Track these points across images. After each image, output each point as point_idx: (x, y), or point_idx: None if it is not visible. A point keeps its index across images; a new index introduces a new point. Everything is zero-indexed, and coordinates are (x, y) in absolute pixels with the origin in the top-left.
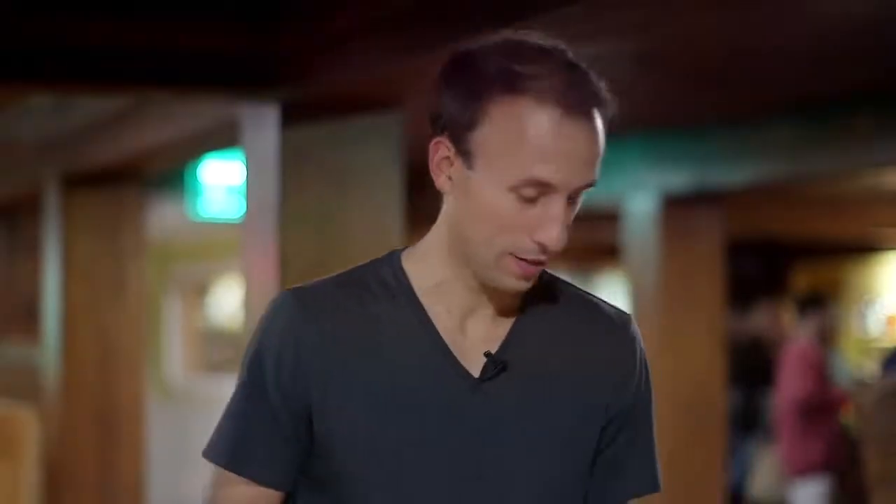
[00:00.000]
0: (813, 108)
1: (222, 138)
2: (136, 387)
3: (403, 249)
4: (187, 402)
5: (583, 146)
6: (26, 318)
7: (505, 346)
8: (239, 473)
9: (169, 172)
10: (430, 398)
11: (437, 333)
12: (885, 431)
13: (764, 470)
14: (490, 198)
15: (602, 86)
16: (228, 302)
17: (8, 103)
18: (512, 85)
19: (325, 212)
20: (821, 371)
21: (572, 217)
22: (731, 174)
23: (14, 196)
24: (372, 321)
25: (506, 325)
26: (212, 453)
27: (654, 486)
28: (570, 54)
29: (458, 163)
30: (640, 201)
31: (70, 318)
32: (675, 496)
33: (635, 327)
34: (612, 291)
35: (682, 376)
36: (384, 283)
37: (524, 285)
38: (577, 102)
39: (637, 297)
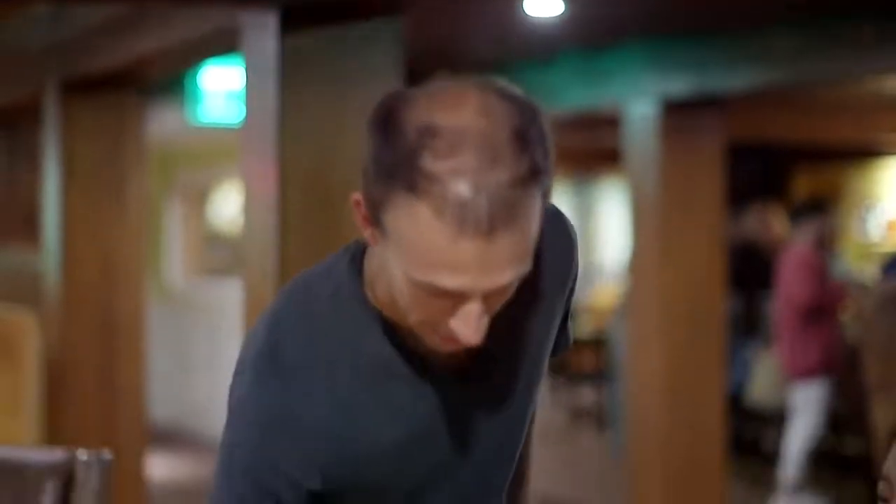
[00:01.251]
0: (815, 14)
1: (222, 44)
2: (136, 292)
3: (361, 260)
4: (187, 306)
5: (489, 258)
6: (27, 225)
7: (488, 338)
8: None
9: (169, 78)
10: (417, 422)
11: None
12: (884, 336)
13: (763, 374)
14: (401, 281)
15: (526, 172)
16: (228, 207)
17: (8, 12)
18: (414, 185)
19: (325, 117)
20: (821, 275)
21: (501, 301)
22: (732, 79)
23: (14, 104)
24: (357, 371)
25: None
26: None
27: (568, 344)
28: (503, 129)
29: (372, 229)
30: (640, 106)
31: (70, 224)
32: (676, 401)
33: (557, 212)
34: (613, 196)
35: (681, 281)
36: (352, 322)
37: (455, 351)
38: (475, 222)
39: (637, 201)
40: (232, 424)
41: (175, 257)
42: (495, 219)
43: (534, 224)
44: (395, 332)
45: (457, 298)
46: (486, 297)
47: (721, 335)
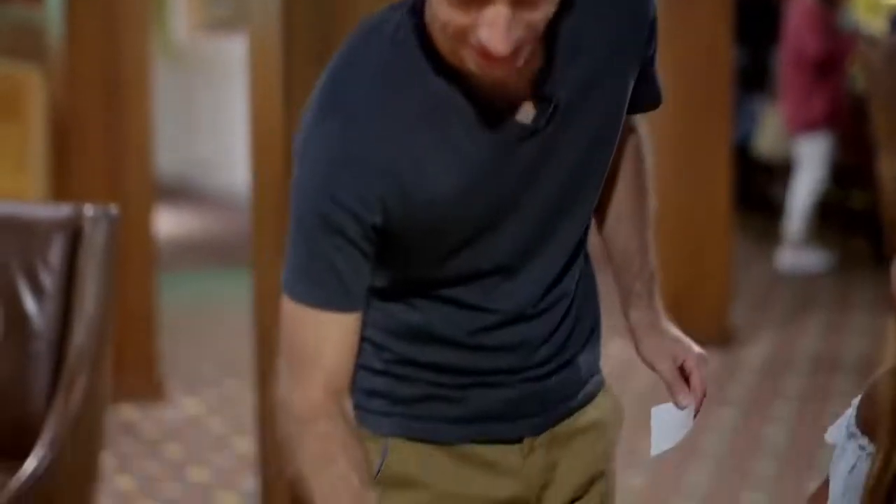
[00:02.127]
0: None
1: None
2: (141, 46)
3: (421, 3)
4: (193, 62)
5: None
6: None
7: (548, 81)
8: (324, 308)
9: None
10: (490, 159)
11: (478, 98)
12: (891, 88)
13: (769, 127)
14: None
15: None
16: None
17: None
18: None
19: None
20: (829, 28)
21: (533, 14)
22: None
23: None
24: (420, 114)
25: (537, 59)
26: (292, 291)
27: (657, 99)
28: None
29: None
30: None
31: None
32: (683, 154)
33: None
34: None
35: (689, 34)
36: (410, 60)
37: (495, 75)
38: None
39: None
40: (298, 165)
41: (179, 11)
42: None
43: None
44: (456, 74)
45: (482, 2)
46: (514, 5)
47: (728, 88)
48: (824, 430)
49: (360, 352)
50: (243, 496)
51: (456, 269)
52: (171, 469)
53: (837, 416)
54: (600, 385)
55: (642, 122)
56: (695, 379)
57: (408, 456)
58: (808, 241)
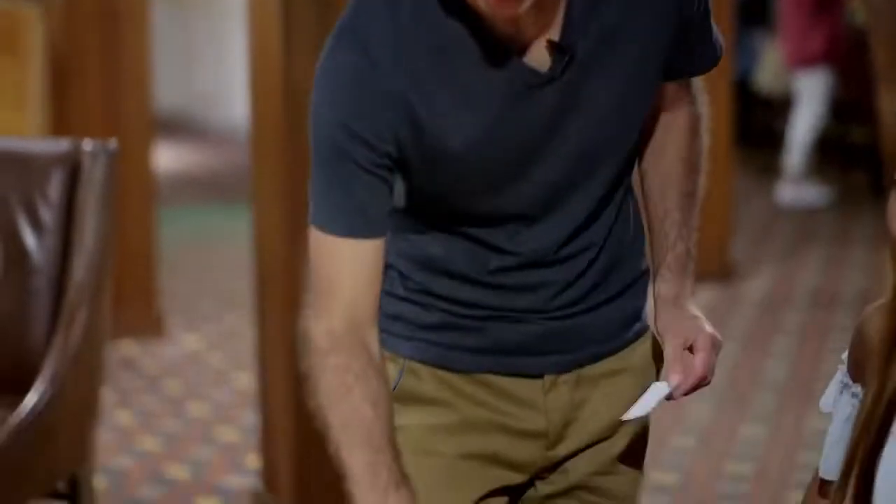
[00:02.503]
0: None
1: None
2: None
3: None
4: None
5: None
6: None
7: (565, 30)
8: (343, 235)
9: None
10: (506, 101)
11: (491, 39)
12: (892, 23)
13: (769, 62)
14: None
15: None
16: None
17: None
18: None
19: None
20: None
21: None
22: None
23: None
24: (433, 50)
25: (556, 7)
26: (314, 219)
27: (716, 57)
28: None
29: None
30: None
31: None
32: None
33: None
34: None
35: None
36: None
37: (504, 14)
38: None
39: None
40: (314, 93)
41: None
42: None
43: None
44: (470, 14)
45: None
46: None
47: (728, 23)
48: (823, 364)
49: (385, 278)
50: (243, 431)
51: (476, 210)
52: (171, 404)
53: (837, 351)
54: (640, 332)
55: (703, 93)
56: (697, 360)
57: (427, 379)
58: (808, 175)
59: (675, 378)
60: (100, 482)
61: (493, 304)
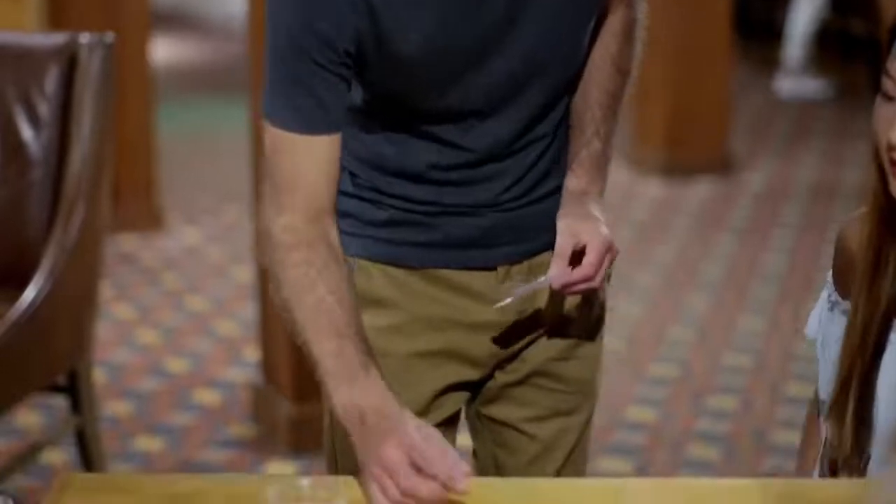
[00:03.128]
0: None
1: None
2: None
3: None
4: None
5: None
6: None
7: None
8: (303, 132)
9: None
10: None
11: None
12: None
13: None
14: None
15: None
16: None
17: None
18: None
19: None
20: None
21: None
22: None
23: None
24: None
25: None
26: (272, 118)
27: None
28: None
29: None
30: None
31: None
32: None
33: None
34: None
35: None
36: None
37: None
38: None
39: None
40: None
41: None
42: None
43: None
44: None
45: None
46: None
47: None
48: (822, 256)
49: None
50: (242, 324)
51: (433, 107)
52: (170, 298)
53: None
54: None
55: (642, 2)
56: (585, 260)
57: (377, 277)
58: (808, 68)
59: (554, 269)
60: (99, 376)
61: (445, 200)
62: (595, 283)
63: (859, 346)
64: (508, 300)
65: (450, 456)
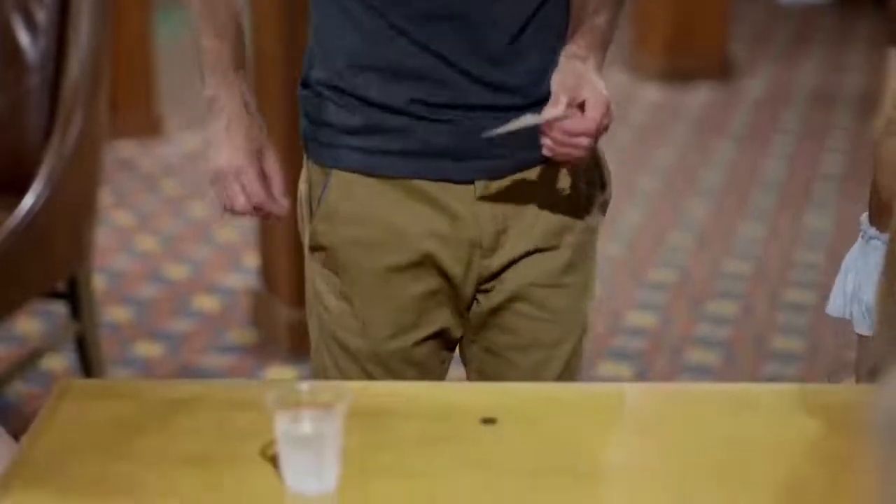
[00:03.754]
0: None
1: None
2: None
3: None
4: None
5: None
6: None
7: None
8: None
9: None
10: None
11: None
12: None
13: None
14: None
15: None
16: None
17: None
18: None
19: None
20: None
21: None
22: None
23: None
24: None
25: None
26: None
27: None
28: None
29: None
30: None
31: None
32: None
33: None
34: None
35: None
36: None
37: None
38: None
39: None
40: None
41: None
42: None
43: None
44: None
45: None
46: None
47: None
48: (822, 163)
49: (310, 84)
50: (242, 230)
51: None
52: (170, 204)
53: (836, 150)
54: None
55: None
56: (586, 113)
57: (353, 188)
58: None
59: (550, 111)
60: (98, 282)
61: (417, 98)
62: (587, 144)
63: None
64: (497, 130)
65: (275, 185)
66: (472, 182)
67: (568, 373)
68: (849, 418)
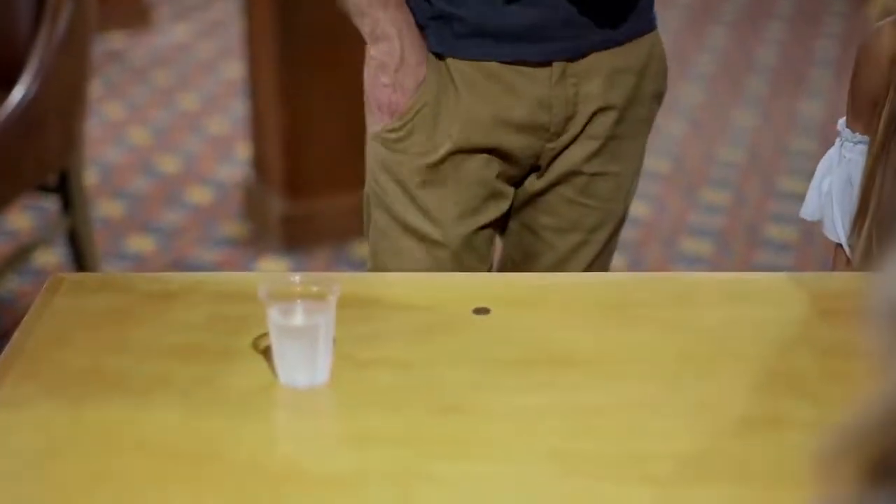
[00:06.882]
0: None
1: None
2: None
3: None
4: None
5: None
6: None
7: None
8: None
9: None
10: None
11: None
12: None
13: None
14: None
15: None
16: None
17: None
18: None
19: None
20: None
21: None
22: None
23: None
24: None
25: None
26: None
27: None
28: None
29: None
30: None
31: None
32: None
33: None
34: None
35: None
36: None
37: None
38: None
39: None
40: None
41: None
42: None
43: None
44: None
45: None
46: None
47: None
48: (815, 50)
49: None
50: (232, 120)
51: None
52: (160, 95)
53: (829, 35)
54: (648, 25)
55: None
56: None
57: (430, 70)
58: None
59: None
60: (90, 175)
61: None
62: None
63: (877, 159)
64: None
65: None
66: (549, 64)
67: (600, 259)
68: (842, 306)
